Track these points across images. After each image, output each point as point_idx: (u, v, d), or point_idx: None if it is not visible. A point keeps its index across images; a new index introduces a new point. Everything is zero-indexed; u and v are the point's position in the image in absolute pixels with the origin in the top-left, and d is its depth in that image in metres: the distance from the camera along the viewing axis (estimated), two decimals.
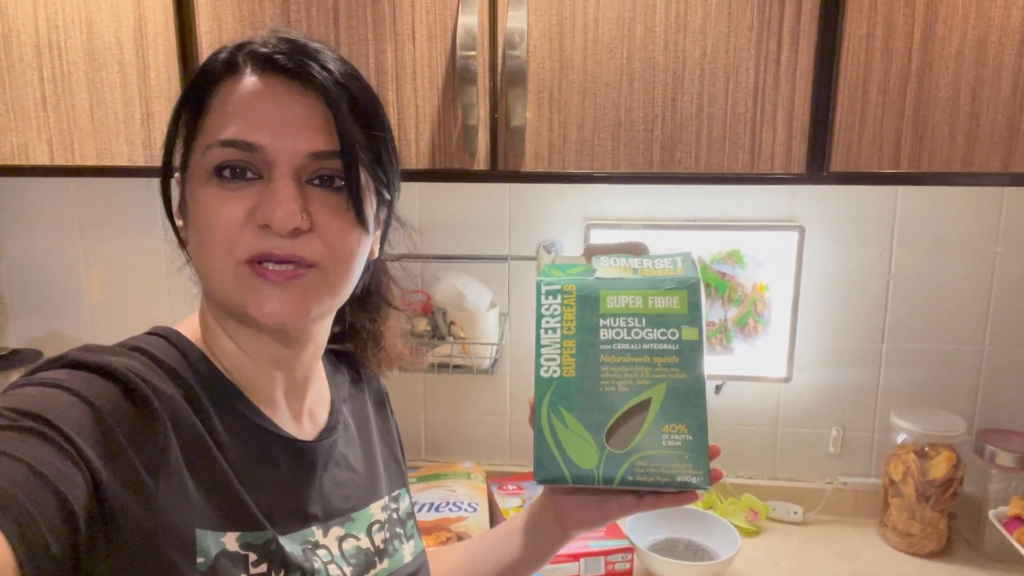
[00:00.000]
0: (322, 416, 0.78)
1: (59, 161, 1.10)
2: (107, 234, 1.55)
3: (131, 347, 0.65)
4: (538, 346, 0.72)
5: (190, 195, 0.66)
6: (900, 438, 1.38)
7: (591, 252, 0.77)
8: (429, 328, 1.42)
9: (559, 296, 0.72)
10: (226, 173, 0.63)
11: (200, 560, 0.59)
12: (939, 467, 1.33)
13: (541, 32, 1.01)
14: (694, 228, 1.42)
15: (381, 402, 0.90)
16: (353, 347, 0.87)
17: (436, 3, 1.01)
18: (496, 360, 1.44)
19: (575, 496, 0.77)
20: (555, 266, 0.75)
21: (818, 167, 1.02)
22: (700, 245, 1.42)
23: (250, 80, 0.64)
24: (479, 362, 1.42)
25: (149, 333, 0.69)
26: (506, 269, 1.46)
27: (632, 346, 0.70)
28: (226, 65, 0.66)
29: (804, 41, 0.99)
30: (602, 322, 0.71)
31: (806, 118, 1.01)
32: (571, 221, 1.45)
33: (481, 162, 1.06)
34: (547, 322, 0.72)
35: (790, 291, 1.42)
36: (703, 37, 1.00)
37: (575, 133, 1.04)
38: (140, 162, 1.10)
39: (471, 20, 1.00)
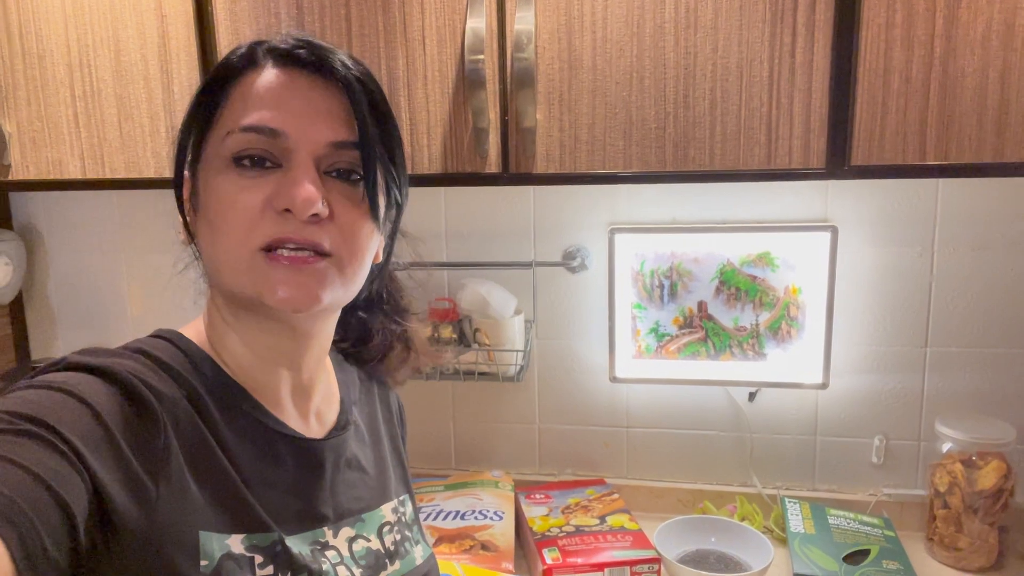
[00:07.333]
0: (330, 416, 0.78)
1: (91, 175, 1.15)
2: (148, 248, 1.60)
3: (133, 349, 0.65)
4: None
5: (204, 186, 0.66)
6: (946, 447, 1.31)
7: None
8: (455, 335, 1.42)
9: None
10: (245, 161, 0.63)
11: (204, 563, 0.59)
12: (988, 477, 1.26)
13: (549, 33, 1.01)
14: (722, 230, 1.38)
15: (390, 407, 0.90)
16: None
17: (445, 8, 1.02)
18: (522, 367, 1.42)
19: None
20: None
21: (839, 161, 0.99)
22: (729, 248, 1.38)
23: (271, 72, 0.65)
24: (505, 369, 1.41)
25: (152, 336, 0.69)
26: (531, 275, 1.45)
27: None
28: (246, 60, 0.66)
29: (820, 32, 0.96)
30: None
31: (824, 111, 0.98)
32: (596, 226, 1.43)
33: (492, 165, 1.05)
34: None
35: (824, 294, 1.37)
36: (714, 32, 0.98)
37: (586, 133, 1.03)
38: (166, 173, 1.13)
39: (479, 23, 1.00)
